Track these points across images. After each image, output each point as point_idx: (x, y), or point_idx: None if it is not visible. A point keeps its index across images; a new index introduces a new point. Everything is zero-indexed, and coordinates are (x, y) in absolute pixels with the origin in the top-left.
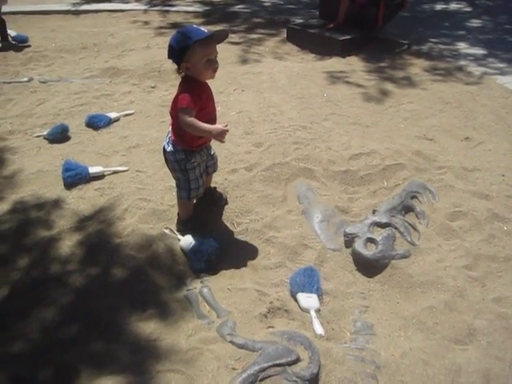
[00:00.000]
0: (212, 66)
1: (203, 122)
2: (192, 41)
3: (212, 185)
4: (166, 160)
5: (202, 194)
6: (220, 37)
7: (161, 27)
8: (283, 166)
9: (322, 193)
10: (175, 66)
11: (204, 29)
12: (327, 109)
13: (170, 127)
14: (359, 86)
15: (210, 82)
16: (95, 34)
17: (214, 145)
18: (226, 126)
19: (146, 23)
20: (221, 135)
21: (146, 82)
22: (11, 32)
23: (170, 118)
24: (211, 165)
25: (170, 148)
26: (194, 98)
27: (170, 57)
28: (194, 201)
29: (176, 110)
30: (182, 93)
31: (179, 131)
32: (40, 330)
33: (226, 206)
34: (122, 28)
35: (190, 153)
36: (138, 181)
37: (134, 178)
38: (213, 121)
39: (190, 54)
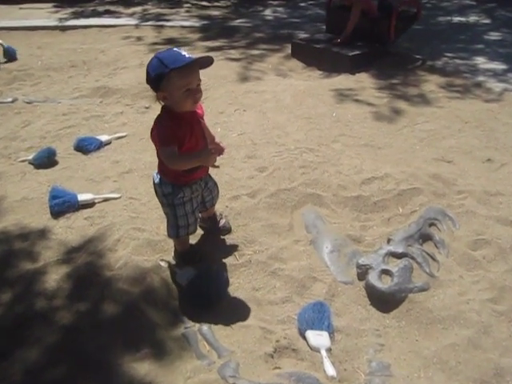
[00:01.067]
0: (192, 96)
1: None
2: (168, 69)
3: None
4: (155, 191)
5: (194, 232)
6: (202, 64)
7: (155, 43)
8: (289, 192)
9: (332, 221)
10: (153, 93)
11: (185, 53)
12: (336, 130)
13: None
14: (370, 104)
15: (209, 102)
16: (84, 51)
17: (215, 173)
18: (219, 146)
19: (139, 39)
20: (210, 159)
21: (139, 102)
22: (2, 42)
23: None
24: (209, 199)
25: (157, 180)
26: (170, 133)
27: (148, 83)
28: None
29: (155, 142)
30: (155, 129)
31: (162, 166)
32: (24, 371)
33: (228, 236)
34: (114, 44)
35: (177, 187)
36: (131, 209)
37: (127, 206)
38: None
39: (166, 82)
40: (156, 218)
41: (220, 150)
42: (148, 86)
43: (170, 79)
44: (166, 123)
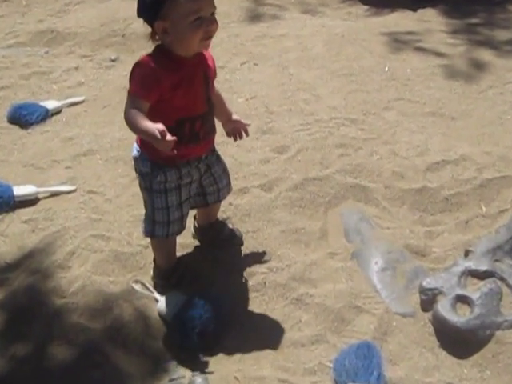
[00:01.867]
0: (204, 28)
1: (171, 123)
2: None
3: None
4: (135, 168)
5: (178, 233)
6: None
7: None
8: (321, 183)
9: (384, 224)
10: (148, 29)
11: None
12: (390, 91)
13: None
14: (439, 54)
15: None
16: None
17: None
18: (238, 124)
19: None
20: (157, 144)
21: (102, 52)
22: None
23: None
24: (212, 192)
25: (134, 152)
26: (150, 81)
27: (139, 13)
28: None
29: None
30: (136, 68)
31: None
32: None
33: (233, 248)
34: None
35: (158, 166)
36: (90, 208)
37: (85, 204)
38: (195, 123)
39: (168, 7)
40: (127, 221)
41: (238, 130)
42: (118, 28)
43: (175, 2)
44: (155, 64)
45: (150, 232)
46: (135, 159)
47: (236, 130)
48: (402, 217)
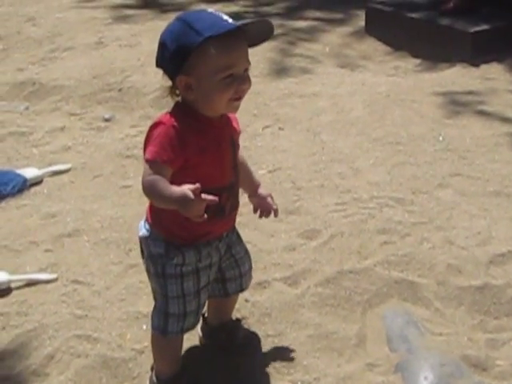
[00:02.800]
0: (235, 87)
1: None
2: (202, 37)
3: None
4: (141, 250)
5: (192, 328)
6: (257, 33)
7: (125, 6)
8: (359, 277)
9: (436, 330)
10: (167, 82)
11: (227, 17)
12: (445, 165)
13: None
14: (506, 120)
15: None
16: (1, 19)
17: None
18: (265, 203)
19: None
20: (188, 207)
21: (94, 109)
22: None
23: None
24: (233, 277)
25: (143, 231)
26: (174, 144)
27: (159, 63)
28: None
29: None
30: (154, 130)
31: (154, 206)
32: None
33: (251, 357)
34: (51, 7)
35: (175, 246)
36: (74, 301)
37: (68, 296)
38: (222, 194)
39: (195, 60)
40: (119, 319)
41: (266, 209)
42: (113, 81)
43: (204, 54)
44: (180, 124)
45: (161, 328)
46: (144, 239)
47: (263, 208)
48: (458, 321)
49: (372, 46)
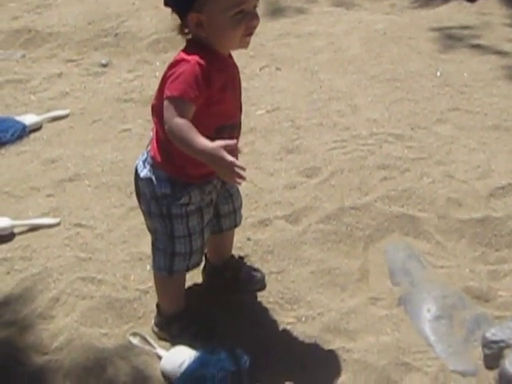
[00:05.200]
0: (246, 23)
1: (211, 132)
2: None
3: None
4: (138, 194)
5: (197, 265)
6: None
7: None
8: (360, 213)
9: (438, 263)
10: (176, 20)
11: None
12: (443, 100)
13: (152, 134)
14: (503, 54)
15: None
16: None
17: None
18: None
19: None
20: (221, 165)
21: (91, 55)
22: None
23: (151, 119)
24: (227, 213)
25: (145, 172)
26: (200, 81)
27: (167, 1)
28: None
29: (162, 89)
30: (177, 67)
31: (166, 145)
32: None
33: (253, 294)
34: None
35: (181, 186)
36: (78, 244)
37: (72, 240)
38: (234, 131)
39: None
40: (122, 261)
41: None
42: (109, 26)
43: None
44: (203, 61)
45: (167, 268)
46: (147, 180)
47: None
48: (459, 253)
49: None
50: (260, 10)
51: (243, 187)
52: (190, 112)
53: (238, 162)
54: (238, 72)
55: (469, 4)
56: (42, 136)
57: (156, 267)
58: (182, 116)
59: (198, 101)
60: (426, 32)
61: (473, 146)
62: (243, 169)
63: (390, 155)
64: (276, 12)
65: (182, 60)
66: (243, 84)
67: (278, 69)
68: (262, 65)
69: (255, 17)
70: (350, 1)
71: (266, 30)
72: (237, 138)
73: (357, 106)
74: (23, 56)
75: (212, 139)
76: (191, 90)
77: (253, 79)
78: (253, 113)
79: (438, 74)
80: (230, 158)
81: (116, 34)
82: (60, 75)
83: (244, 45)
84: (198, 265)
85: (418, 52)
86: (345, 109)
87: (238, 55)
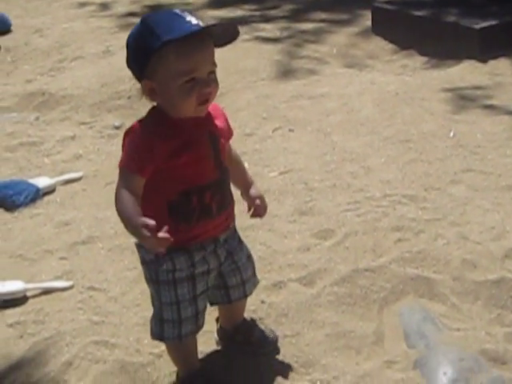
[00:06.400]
0: (198, 91)
1: (175, 196)
2: (159, 41)
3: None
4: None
5: (195, 333)
6: (220, 36)
7: (131, 14)
8: (375, 275)
9: (454, 325)
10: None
11: (190, 17)
12: (457, 161)
13: None
14: None
15: (229, 115)
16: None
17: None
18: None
19: (104, 7)
20: (143, 241)
21: (104, 118)
22: None
23: None
24: (235, 284)
25: None
26: (141, 151)
27: (127, 65)
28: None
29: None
30: (124, 139)
31: (142, 209)
32: None
33: (268, 356)
34: (58, 17)
35: (165, 251)
36: (91, 308)
37: (85, 303)
38: (204, 193)
39: (155, 65)
40: (136, 324)
41: (257, 211)
42: (122, 89)
43: (162, 59)
44: (147, 130)
45: (158, 334)
46: (137, 246)
47: (254, 208)
48: (475, 315)
49: (379, 45)
50: (272, 72)
51: (256, 249)
52: (136, 182)
53: (153, 240)
54: (208, 131)
55: (481, 64)
56: (55, 199)
57: (150, 332)
58: (126, 186)
59: (145, 170)
60: (438, 93)
61: (487, 206)
62: (166, 240)
63: (404, 216)
64: (288, 74)
65: (130, 130)
66: (256, 146)
67: (290, 130)
68: (275, 126)
69: (209, 84)
70: (361, 62)
71: (278, 92)
72: (218, 199)
73: (370, 168)
74: (37, 119)
75: (178, 205)
76: (133, 162)
77: (265, 141)
78: (266, 174)
79: (451, 134)
80: (146, 234)
81: (129, 97)
82: (73, 138)
83: (199, 112)
84: (193, 333)
85: (430, 113)
86: (358, 170)
87: (250, 117)
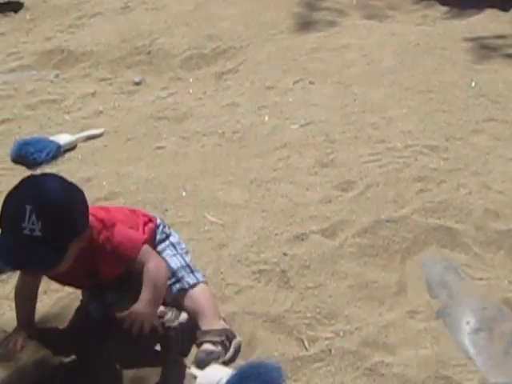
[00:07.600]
0: None
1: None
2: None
3: (263, 265)
4: None
5: None
6: None
7: None
8: (397, 226)
9: (476, 274)
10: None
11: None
12: (478, 111)
13: None
14: None
15: (248, 69)
16: None
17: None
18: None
19: None
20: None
21: (124, 74)
22: None
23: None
24: None
25: None
26: None
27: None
28: None
29: None
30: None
31: None
32: None
33: (290, 309)
34: None
35: None
36: None
37: None
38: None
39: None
40: None
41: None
42: (142, 44)
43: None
44: None
45: None
46: None
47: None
48: (498, 265)
49: None
50: (291, 25)
51: (278, 202)
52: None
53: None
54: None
55: (502, 13)
56: (76, 155)
57: None
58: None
59: None
60: (459, 42)
61: (509, 155)
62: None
63: (426, 167)
64: (308, 26)
65: None
66: (277, 99)
67: (311, 83)
68: (296, 79)
69: None
70: (382, 13)
71: (298, 44)
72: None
73: (391, 119)
74: (57, 76)
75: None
76: None
77: (286, 94)
78: (287, 127)
79: (473, 84)
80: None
81: (149, 52)
82: (94, 94)
83: None
84: None
85: (451, 63)
86: (379, 121)
87: (270, 70)
